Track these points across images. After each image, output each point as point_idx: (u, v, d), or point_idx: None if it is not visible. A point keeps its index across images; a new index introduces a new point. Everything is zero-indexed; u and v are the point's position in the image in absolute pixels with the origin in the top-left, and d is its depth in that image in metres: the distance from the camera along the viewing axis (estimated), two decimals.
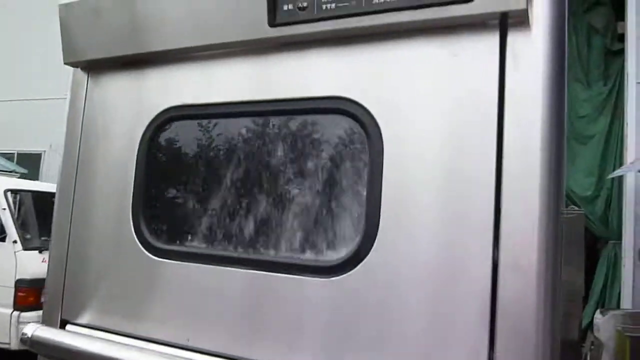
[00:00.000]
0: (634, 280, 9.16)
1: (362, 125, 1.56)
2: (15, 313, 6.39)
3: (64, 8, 1.97)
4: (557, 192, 1.38)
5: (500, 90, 1.40)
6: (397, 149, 1.50)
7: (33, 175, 12.28)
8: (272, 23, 1.62)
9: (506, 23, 1.41)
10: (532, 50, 1.39)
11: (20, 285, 6.45)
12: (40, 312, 6.57)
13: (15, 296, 6.43)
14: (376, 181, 1.51)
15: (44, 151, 13.23)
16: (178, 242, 1.83)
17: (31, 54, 14.15)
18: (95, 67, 2.02)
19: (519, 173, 1.37)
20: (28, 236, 6.91)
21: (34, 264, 6.52)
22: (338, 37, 1.59)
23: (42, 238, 7.15)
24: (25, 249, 6.64)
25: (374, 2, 1.49)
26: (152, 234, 1.84)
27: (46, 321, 1.99)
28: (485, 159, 1.40)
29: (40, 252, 6.63)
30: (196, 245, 1.79)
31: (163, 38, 1.81)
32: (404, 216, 1.47)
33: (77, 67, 2.06)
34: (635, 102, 7.68)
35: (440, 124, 1.46)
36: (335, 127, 1.62)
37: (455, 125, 1.44)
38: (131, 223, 1.86)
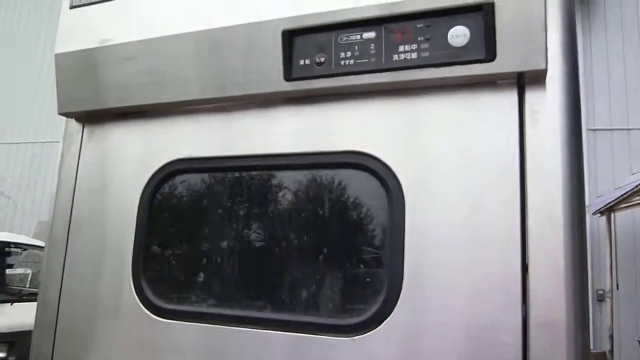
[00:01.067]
0: (593, 322, 9.39)
1: (382, 181, 1.55)
2: None
3: (61, 57, 1.91)
4: (581, 244, 1.39)
5: (520, 145, 1.43)
6: (419, 206, 1.49)
7: None
8: (288, 77, 1.61)
9: (523, 81, 1.45)
10: (549, 106, 1.43)
11: None
12: None
13: None
14: (398, 238, 1.49)
15: None
16: (185, 301, 1.74)
17: None
18: (92, 119, 1.95)
19: (543, 227, 1.38)
20: None
21: None
22: (356, 92, 1.59)
23: None
24: None
25: (393, 59, 1.50)
26: (156, 294, 1.75)
27: None
28: (509, 214, 1.40)
29: None
30: (205, 304, 1.71)
31: (169, 90, 1.77)
32: (428, 274, 1.45)
33: (71, 117, 1.98)
34: None
35: (462, 180, 1.46)
36: (353, 184, 1.61)
37: (478, 180, 1.45)
38: (131, 282, 1.77)
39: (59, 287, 1.89)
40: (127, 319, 1.76)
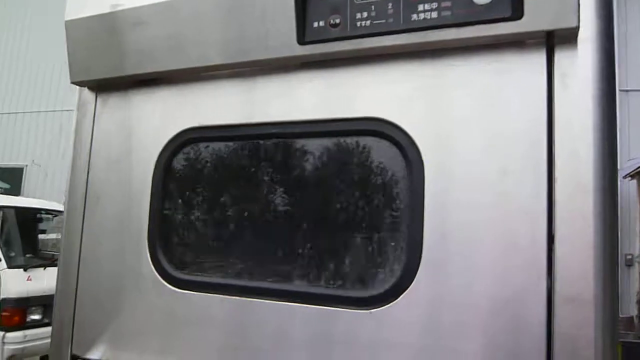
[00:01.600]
0: (621, 287, 9.26)
1: (401, 148, 1.49)
2: (0, 333, 6.19)
3: (72, 24, 1.86)
4: (612, 214, 1.32)
5: (548, 110, 1.34)
6: (439, 174, 1.43)
7: (15, 190, 11.97)
8: (302, 41, 1.54)
9: (553, 41, 1.35)
10: (581, 68, 1.34)
11: (5, 305, 6.25)
12: (26, 332, 6.40)
13: (0, 316, 6.23)
14: (417, 207, 1.43)
15: (26, 166, 12.93)
16: (201, 272, 1.73)
17: (12, 66, 13.89)
18: (105, 87, 1.91)
19: (571, 197, 1.30)
20: (12, 254, 6.69)
21: (19, 283, 6.33)
22: (373, 55, 1.51)
23: (27, 255, 6.93)
24: (9, 267, 6.43)
25: (412, 19, 1.42)
26: (172, 264, 1.74)
27: (54, 356, 1.87)
28: (536, 183, 1.33)
29: (25, 270, 6.43)
30: (222, 275, 1.69)
31: (183, 56, 1.71)
32: (449, 245, 1.40)
33: (84, 86, 1.94)
34: None
35: (485, 147, 1.39)
36: (370, 151, 1.54)
37: (502, 147, 1.37)
38: (148, 253, 1.75)
39: (78, 256, 1.89)
40: (145, 289, 1.75)
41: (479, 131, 1.40)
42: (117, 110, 1.90)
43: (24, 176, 13.01)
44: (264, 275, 1.63)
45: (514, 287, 1.32)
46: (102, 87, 1.92)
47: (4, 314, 6.25)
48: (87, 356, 1.83)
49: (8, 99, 13.73)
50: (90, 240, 1.88)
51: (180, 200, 1.80)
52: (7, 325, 6.20)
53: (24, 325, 6.27)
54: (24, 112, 13.51)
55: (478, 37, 1.38)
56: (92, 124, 1.93)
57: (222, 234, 1.73)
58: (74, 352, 1.85)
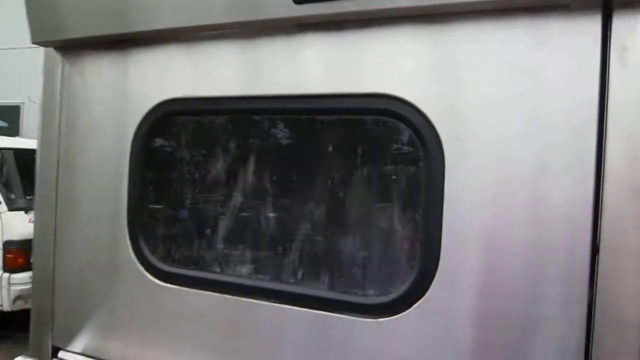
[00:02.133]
0: None
1: (417, 131, 1.24)
2: (5, 275, 6.20)
3: None
4: None
5: (601, 93, 1.09)
6: (462, 163, 1.19)
7: (13, 128, 11.71)
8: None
9: (611, 6, 1.08)
10: None
11: (9, 247, 6.23)
12: (30, 273, 6.43)
13: (4, 258, 6.22)
14: (435, 204, 1.21)
15: (23, 103, 12.59)
16: (189, 264, 1.54)
17: (5, 1, 13.26)
18: (73, 48, 1.65)
19: (623, 200, 1.08)
20: (12, 196, 6.58)
21: (21, 225, 6.26)
22: (384, 18, 1.24)
23: (27, 197, 6.82)
24: (10, 209, 6.35)
25: None
26: (156, 254, 1.55)
27: (35, 348, 1.72)
28: (581, 182, 1.10)
29: (26, 212, 6.34)
30: (213, 270, 1.50)
31: (163, 15, 1.44)
32: (472, 249, 1.19)
33: (48, 47, 1.68)
34: None
35: (521, 137, 1.15)
36: (379, 135, 1.31)
37: (541, 137, 1.13)
38: (128, 239, 1.56)
39: (53, 237, 1.70)
40: (126, 280, 1.57)
41: (512, 116, 1.15)
42: (87, 75, 1.65)
43: (21, 114, 12.72)
44: (260, 273, 1.44)
45: (548, 304, 1.12)
46: (69, 48, 1.66)
47: (8, 255, 6.25)
48: (69, 349, 1.68)
49: (2, 35, 13.22)
50: (65, 222, 1.68)
51: (163, 182, 1.58)
52: (11, 267, 6.21)
53: (28, 266, 6.26)
54: (19, 48, 13.02)
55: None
56: (59, 89, 1.68)
57: (212, 223, 1.53)
58: (55, 343, 1.70)
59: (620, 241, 1.08)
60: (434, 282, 1.21)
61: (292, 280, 1.38)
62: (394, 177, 1.30)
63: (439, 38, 1.21)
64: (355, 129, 1.33)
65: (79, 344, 1.67)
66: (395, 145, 1.29)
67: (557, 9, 1.10)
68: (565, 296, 1.11)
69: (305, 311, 1.33)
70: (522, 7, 1.13)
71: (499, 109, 1.16)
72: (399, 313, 1.24)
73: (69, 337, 1.68)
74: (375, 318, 1.26)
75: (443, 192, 1.20)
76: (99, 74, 1.62)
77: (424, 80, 1.23)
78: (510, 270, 1.16)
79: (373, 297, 1.29)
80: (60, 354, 1.69)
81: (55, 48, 1.67)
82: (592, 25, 1.09)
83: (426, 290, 1.22)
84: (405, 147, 1.28)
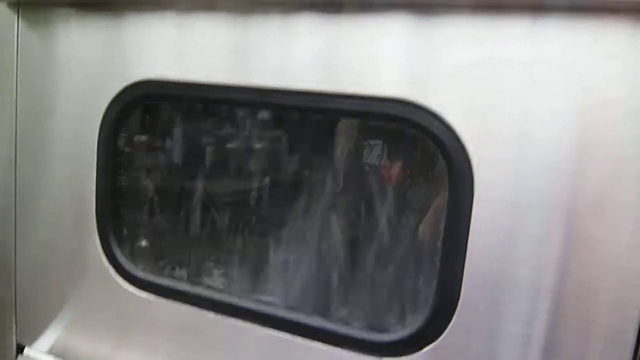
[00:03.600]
0: None
1: (440, 145, 1.03)
2: None
3: None
4: None
5: None
6: (496, 184, 0.99)
7: None
8: None
9: None
10: None
11: None
12: None
13: None
14: (459, 234, 1.02)
15: None
16: (167, 272, 1.35)
17: None
18: (30, 5, 1.37)
19: None
20: None
21: None
22: (403, 5, 0.99)
23: None
24: None
25: None
26: (128, 257, 1.35)
27: None
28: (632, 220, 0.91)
29: None
30: (194, 280, 1.31)
31: None
32: (500, 281, 1.00)
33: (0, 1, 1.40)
34: None
35: (570, 153, 0.94)
36: (393, 145, 1.09)
37: (591, 152, 0.92)
38: (97, 238, 1.36)
39: (14, 223, 1.50)
40: (94, 282, 1.39)
41: (561, 131, 0.94)
42: (48, 39, 1.38)
43: None
44: (249, 289, 1.26)
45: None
46: (27, 4, 1.38)
47: None
48: (35, 347, 1.52)
49: None
50: (26, 209, 1.48)
51: (137, 176, 1.37)
52: None
53: None
54: None
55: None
56: (15, 54, 1.42)
57: (193, 226, 1.33)
58: (19, 341, 1.54)
59: None
60: (452, 323, 1.04)
61: (284, 304, 1.21)
62: (411, 195, 1.09)
63: (475, 29, 0.97)
64: (375, 142, 1.10)
65: (46, 342, 1.51)
66: (413, 160, 1.07)
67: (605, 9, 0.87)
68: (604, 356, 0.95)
69: (298, 341, 1.16)
70: (593, 8, 0.89)
71: (542, 118, 0.95)
72: (409, 354, 1.08)
73: (35, 335, 1.51)
74: (379, 357, 1.10)
75: (469, 221, 1.01)
76: (63, 38, 1.36)
77: (449, 83, 1.00)
78: (541, 318, 0.99)
79: (378, 333, 1.12)
80: (26, 351, 1.54)
81: (8, 4, 1.39)
82: None
83: (442, 331, 1.05)
84: (424, 162, 1.06)
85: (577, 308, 0.96)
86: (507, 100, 0.96)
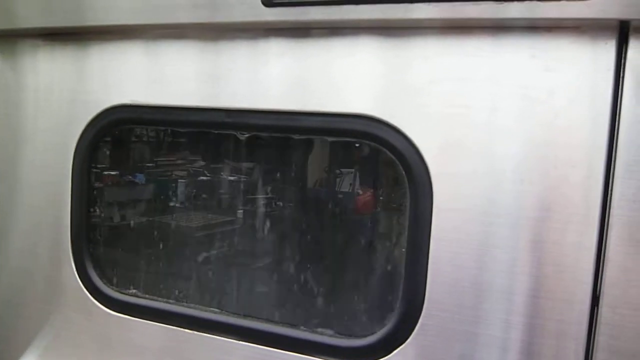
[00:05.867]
0: None
1: (400, 158, 1.10)
2: None
3: None
4: None
5: (612, 123, 0.96)
6: (452, 193, 1.06)
7: None
8: (269, 2, 1.08)
9: (627, 32, 0.94)
10: None
11: None
12: None
13: None
14: (420, 235, 1.08)
15: None
16: (144, 292, 1.37)
17: None
18: (4, 37, 1.41)
19: (627, 249, 0.97)
20: None
21: None
22: (367, 28, 1.08)
23: None
24: None
25: None
26: (104, 279, 1.38)
27: None
28: (584, 227, 0.99)
29: None
30: (172, 300, 1.33)
31: (111, 10, 1.23)
32: (461, 290, 1.07)
33: None
34: None
35: (519, 171, 1.02)
36: (357, 158, 1.16)
37: (543, 174, 1.01)
38: (73, 263, 1.38)
39: None
40: (71, 306, 1.40)
41: (510, 147, 1.02)
42: (18, 70, 1.42)
43: None
44: (225, 306, 1.29)
45: (541, 358, 1.03)
46: (1, 41, 1.42)
47: None
48: None
49: None
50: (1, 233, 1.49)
51: (112, 200, 1.40)
52: None
53: None
54: None
55: (523, 19, 0.96)
56: None
57: (170, 245, 1.36)
58: None
59: (620, 291, 0.98)
60: (418, 325, 1.10)
61: (256, 316, 1.24)
62: (374, 205, 1.16)
63: (433, 56, 1.06)
64: (341, 156, 1.17)
65: None
66: (375, 173, 1.14)
67: (570, 31, 0.96)
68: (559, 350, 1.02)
69: (280, 353, 1.20)
70: (529, 27, 0.98)
71: (498, 138, 1.03)
72: (378, 358, 1.13)
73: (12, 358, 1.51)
74: None
75: (430, 228, 1.08)
76: (34, 69, 1.40)
77: (411, 102, 1.08)
78: (500, 318, 1.05)
79: (348, 339, 1.17)
80: None
81: None
82: (607, 52, 0.95)
83: (409, 334, 1.11)
84: (385, 174, 1.13)
85: (533, 307, 1.03)
86: (460, 114, 1.05)
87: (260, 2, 1.08)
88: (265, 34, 1.15)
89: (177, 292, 1.33)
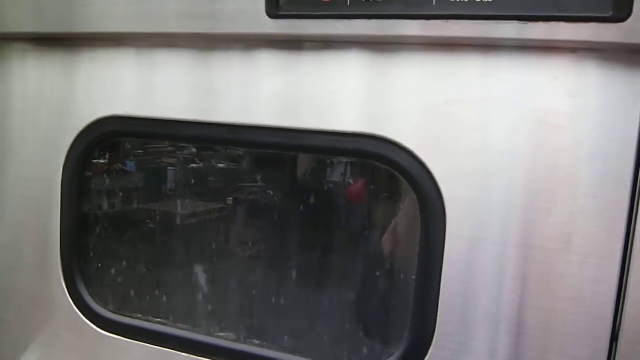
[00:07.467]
0: None
1: (412, 181, 1.04)
2: None
3: None
4: None
5: (638, 154, 0.91)
6: (467, 219, 1.00)
7: None
8: (273, 13, 1.01)
9: None
10: None
11: None
12: None
13: None
14: (432, 265, 1.03)
15: None
16: (138, 312, 1.31)
17: None
18: None
19: None
20: None
21: None
22: (378, 43, 1.01)
23: None
24: None
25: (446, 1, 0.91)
26: (96, 298, 1.32)
27: None
28: (606, 251, 0.94)
29: None
30: (166, 321, 1.28)
31: (105, 17, 1.15)
32: (473, 324, 1.02)
33: None
34: None
35: (542, 201, 0.96)
36: (365, 182, 1.10)
37: (565, 204, 0.95)
38: (62, 280, 1.32)
39: None
40: (61, 325, 1.34)
41: (527, 168, 0.96)
42: (9, 78, 1.34)
43: None
44: (222, 327, 1.24)
45: None
46: None
47: None
48: None
49: None
50: None
51: (104, 215, 1.33)
52: None
53: None
54: None
55: (548, 40, 0.89)
56: None
57: (164, 266, 1.30)
58: None
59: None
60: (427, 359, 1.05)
61: (258, 342, 1.19)
62: (381, 231, 1.10)
63: (447, 75, 0.99)
64: (346, 179, 1.11)
65: None
66: (385, 197, 1.08)
67: (600, 56, 0.90)
68: None
69: None
70: (549, 48, 0.92)
71: (519, 165, 0.97)
72: None
73: None
74: None
75: (442, 257, 1.02)
76: (21, 75, 1.32)
77: (422, 122, 1.01)
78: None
79: None
80: None
81: None
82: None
83: None
84: (396, 199, 1.07)
85: (545, 340, 0.98)
86: (467, 138, 0.99)
87: (265, 13, 1.01)
88: (258, 45, 1.07)
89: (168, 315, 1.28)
